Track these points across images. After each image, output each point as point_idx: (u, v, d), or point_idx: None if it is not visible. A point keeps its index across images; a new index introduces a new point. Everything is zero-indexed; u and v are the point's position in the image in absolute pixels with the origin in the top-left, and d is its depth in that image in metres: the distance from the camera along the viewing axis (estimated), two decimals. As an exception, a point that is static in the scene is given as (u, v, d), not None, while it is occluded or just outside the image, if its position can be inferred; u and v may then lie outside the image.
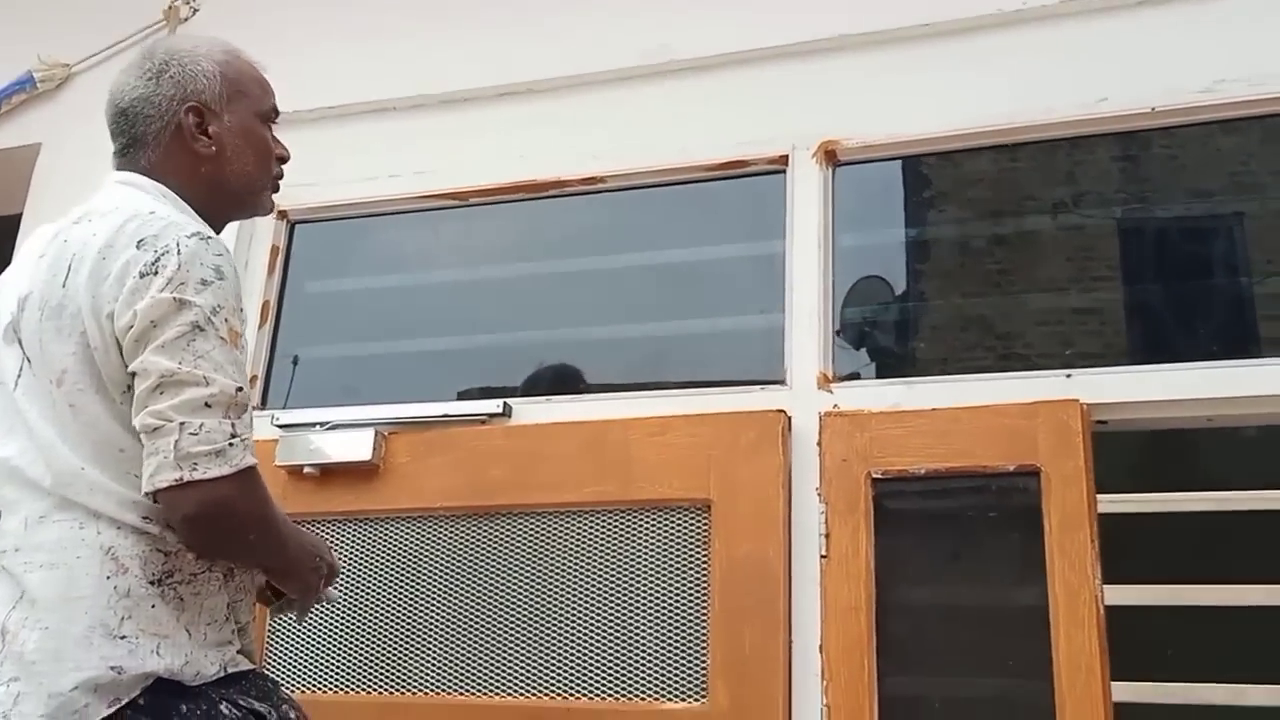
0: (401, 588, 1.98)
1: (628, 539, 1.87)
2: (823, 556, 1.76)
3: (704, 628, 1.78)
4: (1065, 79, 1.92)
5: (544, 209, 2.16)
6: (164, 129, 1.44)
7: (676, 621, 1.80)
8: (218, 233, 1.44)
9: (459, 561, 1.96)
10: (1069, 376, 1.75)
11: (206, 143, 1.46)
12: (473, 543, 1.96)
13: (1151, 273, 2.36)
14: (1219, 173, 2.11)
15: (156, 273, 1.28)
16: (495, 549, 1.94)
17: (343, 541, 2.03)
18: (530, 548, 1.92)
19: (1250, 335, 2.20)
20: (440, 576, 1.96)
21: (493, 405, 2.04)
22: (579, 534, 1.90)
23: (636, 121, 2.16)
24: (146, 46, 1.50)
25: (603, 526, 1.89)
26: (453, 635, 1.92)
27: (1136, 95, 1.88)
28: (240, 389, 1.29)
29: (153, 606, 1.27)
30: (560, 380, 2.14)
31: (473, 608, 1.92)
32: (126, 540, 1.28)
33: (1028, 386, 1.77)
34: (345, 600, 1.98)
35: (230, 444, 1.25)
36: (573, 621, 1.86)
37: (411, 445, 2.03)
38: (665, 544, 1.85)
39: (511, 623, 1.89)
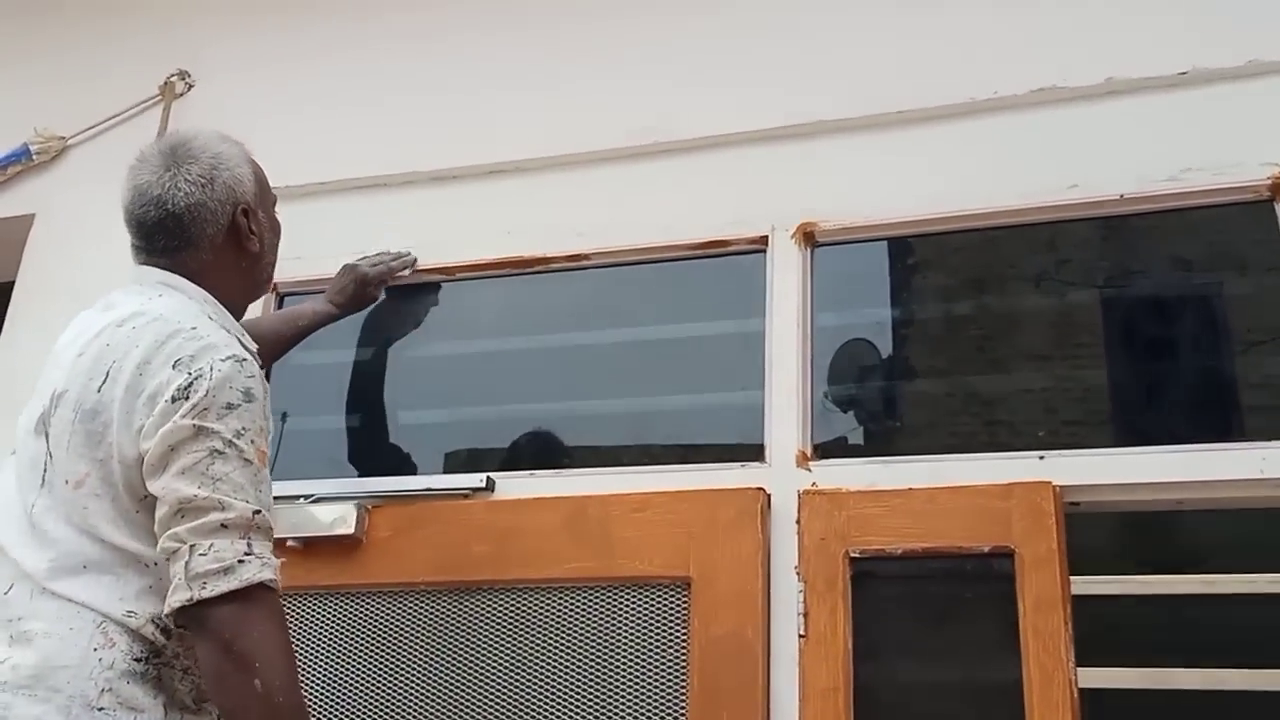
0: (382, 663, 1.97)
1: (607, 616, 1.88)
2: (801, 636, 1.77)
3: (683, 708, 1.78)
4: (1037, 165, 1.98)
5: (529, 285, 2.20)
6: (218, 232, 1.51)
7: (655, 701, 1.80)
8: (243, 313, 1.53)
9: (439, 637, 1.96)
10: (1041, 458, 1.78)
11: (255, 241, 1.54)
12: (454, 618, 1.96)
13: (1130, 347, 2.39)
14: (1197, 245, 2.14)
15: (187, 397, 1.32)
16: (476, 625, 1.94)
17: (325, 615, 2.03)
18: (510, 624, 1.92)
19: (1227, 415, 2.23)
20: (421, 652, 1.96)
21: (476, 480, 2.05)
22: (559, 610, 1.91)
23: (621, 200, 2.21)
24: (171, 145, 1.53)
25: (582, 603, 1.90)
26: (432, 711, 1.91)
27: (1106, 182, 1.93)
28: (258, 511, 1.31)
29: (128, 683, 1.29)
30: (546, 449, 2.16)
31: (452, 684, 1.92)
32: (115, 627, 1.31)
33: (1003, 467, 1.80)
34: (327, 674, 1.98)
35: (241, 561, 1.27)
36: (551, 699, 1.85)
37: (394, 519, 2.04)
38: (644, 622, 1.86)
39: (490, 699, 1.89)
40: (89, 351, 1.41)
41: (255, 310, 2.33)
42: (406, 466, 2.20)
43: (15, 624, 1.31)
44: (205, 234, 1.49)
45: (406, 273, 2.23)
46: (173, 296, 1.46)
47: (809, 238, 2.06)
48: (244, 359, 1.38)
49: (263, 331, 1.90)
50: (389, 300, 2.29)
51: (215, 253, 1.51)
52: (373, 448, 2.27)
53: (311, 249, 2.25)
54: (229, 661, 1.25)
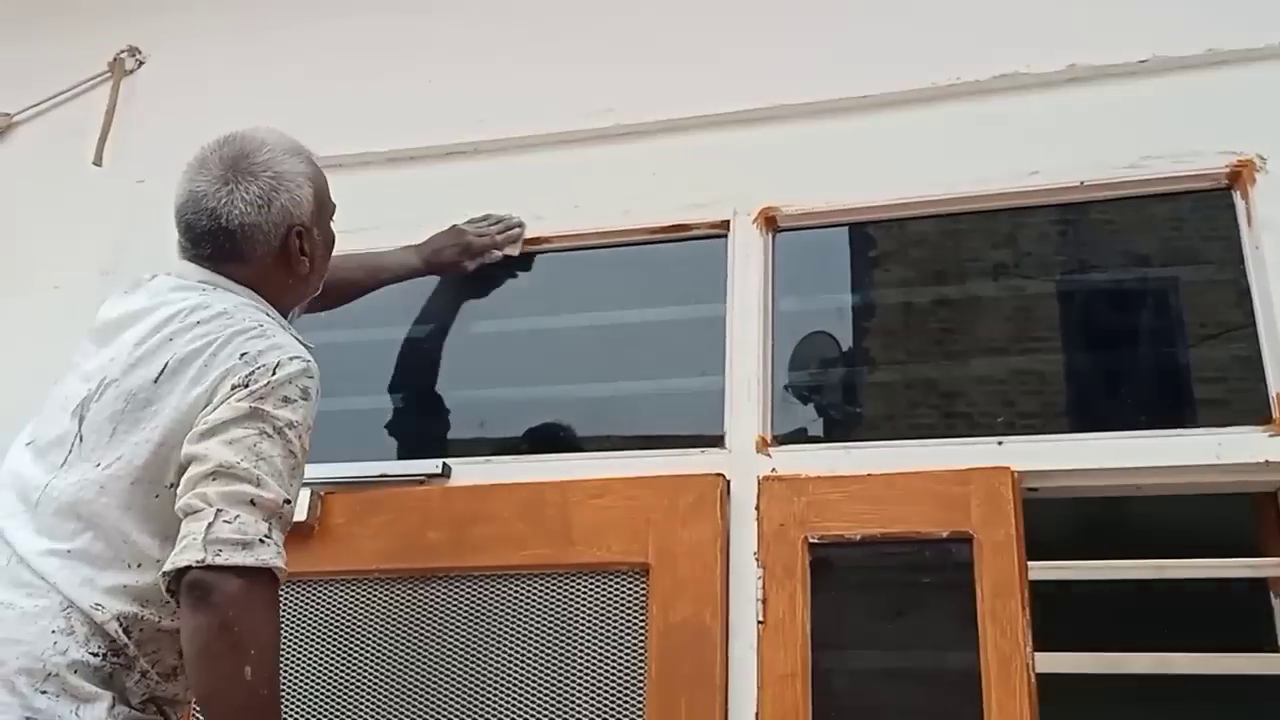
0: (337, 652, 1.94)
1: (565, 603, 1.86)
2: (760, 622, 1.76)
3: (640, 694, 1.76)
4: (998, 152, 1.98)
5: (486, 268, 2.16)
6: (268, 252, 1.50)
7: (613, 688, 1.78)
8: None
9: (395, 626, 1.92)
10: (1000, 444, 1.78)
11: (304, 264, 1.54)
12: (409, 606, 1.93)
13: (1087, 338, 2.41)
14: (1153, 238, 2.16)
15: (247, 385, 1.33)
16: (432, 613, 1.91)
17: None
18: (467, 612, 1.90)
19: (1182, 405, 2.25)
20: (376, 641, 1.93)
21: (431, 465, 2.02)
22: (516, 598, 1.88)
23: (580, 184, 2.18)
24: (233, 156, 1.50)
25: (540, 590, 1.87)
26: (388, 700, 1.88)
27: (1066, 169, 1.93)
28: (288, 502, 1.31)
29: (74, 673, 1.26)
30: (503, 435, 2.14)
31: (408, 673, 1.89)
32: (79, 615, 1.29)
33: (961, 453, 1.80)
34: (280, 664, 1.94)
35: (261, 541, 1.26)
36: (509, 687, 1.83)
37: (349, 506, 2.00)
38: (603, 608, 1.84)
39: (447, 688, 1.86)
40: (148, 343, 1.41)
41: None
42: (360, 453, 2.16)
43: None
44: (255, 253, 1.50)
45: (514, 252, 2.14)
46: (232, 298, 1.47)
47: (770, 222, 2.05)
48: (308, 360, 1.41)
49: (340, 278, 1.91)
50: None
51: (262, 269, 1.51)
52: (326, 433, 2.23)
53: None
54: (224, 640, 1.22)
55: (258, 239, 1.49)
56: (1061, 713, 1.68)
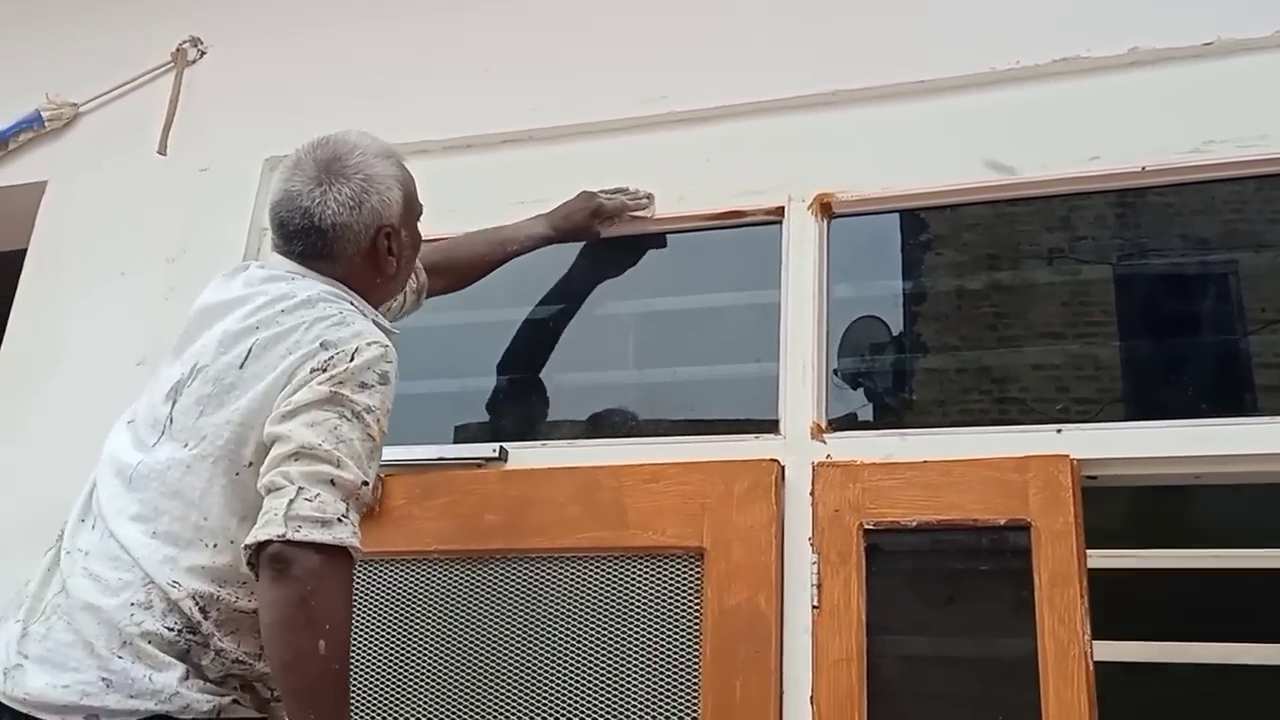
0: (396, 631, 1.98)
1: (620, 586, 1.88)
2: (814, 607, 1.77)
3: (695, 677, 1.78)
4: (1058, 137, 1.95)
5: (543, 254, 2.17)
6: (357, 252, 1.55)
7: (668, 670, 1.80)
8: None
9: (453, 605, 1.96)
10: (1059, 432, 1.77)
11: (391, 263, 1.59)
12: (467, 587, 1.96)
13: (1146, 323, 2.37)
14: (1214, 222, 2.13)
15: (326, 369, 1.38)
16: (489, 593, 1.95)
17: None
18: (523, 593, 1.93)
19: (1242, 392, 2.22)
20: (434, 620, 1.96)
21: (489, 449, 2.05)
22: (572, 580, 1.91)
23: (636, 170, 2.18)
24: (327, 159, 1.56)
25: (595, 573, 1.90)
26: (446, 678, 1.92)
27: (1127, 154, 1.91)
28: (365, 484, 1.36)
29: (148, 644, 1.31)
30: (560, 419, 2.16)
31: (466, 652, 1.92)
32: (158, 591, 1.36)
33: (1019, 440, 1.79)
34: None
35: (340, 520, 1.31)
36: (565, 667, 1.86)
37: (408, 488, 2.04)
38: (657, 591, 1.86)
39: (504, 667, 1.89)
40: (236, 330, 1.47)
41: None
42: (421, 437, 2.19)
43: (83, 558, 1.40)
44: (346, 251, 1.55)
45: (644, 213, 2.13)
46: (321, 287, 1.52)
47: (825, 208, 2.05)
48: (386, 345, 1.45)
49: (468, 254, 1.96)
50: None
51: (351, 267, 1.56)
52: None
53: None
54: (302, 614, 1.27)
55: (348, 238, 1.53)
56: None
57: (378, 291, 1.62)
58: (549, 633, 1.88)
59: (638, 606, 1.86)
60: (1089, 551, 1.68)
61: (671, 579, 1.86)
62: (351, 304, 1.52)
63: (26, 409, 2.39)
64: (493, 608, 1.93)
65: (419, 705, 1.92)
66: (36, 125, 2.66)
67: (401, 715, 1.92)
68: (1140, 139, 1.90)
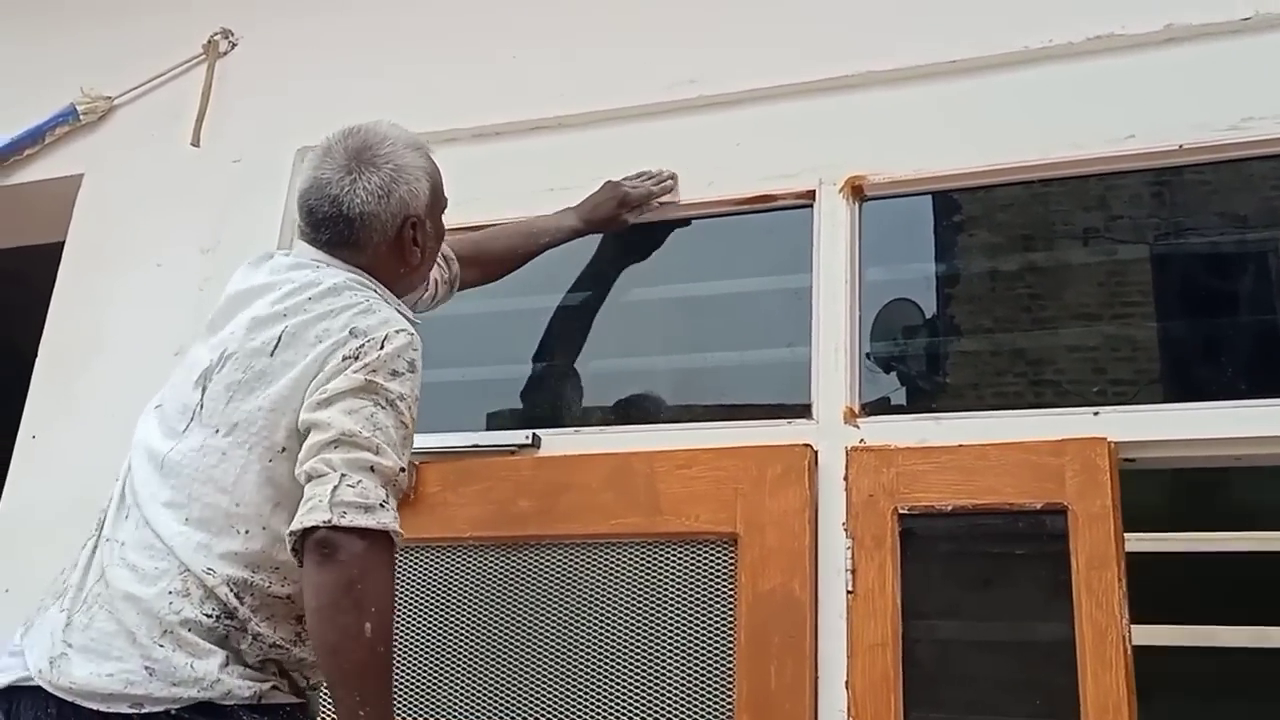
0: (431, 616, 2.00)
1: (654, 571, 1.88)
2: (849, 592, 1.77)
3: (730, 662, 1.78)
4: (1093, 116, 1.93)
5: (574, 242, 2.18)
6: (384, 241, 1.57)
7: (703, 655, 1.81)
8: None
9: (487, 591, 1.97)
10: (1096, 414, 1.75)
11: (417, 254, 1.60)
12: (501, 572, 1.98)
13: (1183, 303, 2.34)
14: (1252, 199, 2.09)
15: (358, 357, 1.40)
16: (523, 579, 1.96)
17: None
18: (557, 578, 1.94)
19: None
20: (469, 606, 1.98)
21: (521, 436, 2.06)
22: (605, 566, 1.92)
23: (665, 155, 2.18)
24: (357, 147, 1.57)
25: (629, 559, 1.90)
26: (480, 663, 1.94)
27: (1164, 132, 1.88)
28: (402, 470, 1.38)
29: (188, 631, 1.33)
30: (591, 405, 2.16)
31: (500, 637, 1.94)
32: (194, 579, 1.38)
33: (1055, 423, 1.77)
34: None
35: (381, 506, 1.33)
36: (599, 653, 1.87)
37: (442, 475, 2.05)
38: (691, 577, 1.86)
39: (538, 652, 1.90)
40: (264, 316, 1.49)
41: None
42: (454, 424, 2.21)
43: (120, 548, 1.42)
44: (372, 240, 1.56)
45: (669, 197, 2.14)
46: (348, 276, 1.53)
47: (857, 191, 2.03)
48: (412, 333, 1.47)
49: (500, 247, 1.97)
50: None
51: (376, 257, 1.57)
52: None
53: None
54: (349, 597, 1.29)
55: (375, 227, 1.54)
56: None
57: (401, 282, 1.62)
58: (583, 619, 1.89)
59: (672, 592, 1.86)
60: (1127, 534, 1.66)
61: (705, 565, 1.86)
62: (375, 292, 1.53)
63: (66, 398, 2.43)
64: (527, 594, 1.95)
65: (455, 690, 1.94)
66: (72, 119, 2.69)
67: (438, 700, 1.94)
68: (1177, 116, 1.88)
